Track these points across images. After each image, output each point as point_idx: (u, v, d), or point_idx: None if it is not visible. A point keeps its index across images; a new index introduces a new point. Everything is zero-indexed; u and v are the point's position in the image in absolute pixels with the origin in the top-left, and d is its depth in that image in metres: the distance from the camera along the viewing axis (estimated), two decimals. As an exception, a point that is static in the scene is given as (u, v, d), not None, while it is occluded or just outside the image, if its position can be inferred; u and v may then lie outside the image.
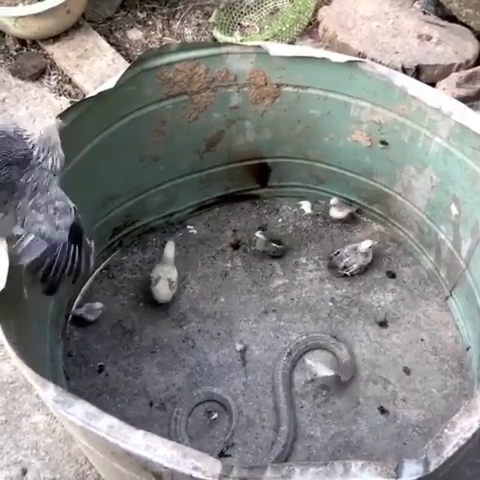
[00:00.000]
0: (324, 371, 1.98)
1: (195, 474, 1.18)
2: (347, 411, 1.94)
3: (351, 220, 2.32)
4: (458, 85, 2.43)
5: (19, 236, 1.47)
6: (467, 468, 1.80)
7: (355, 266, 2.17)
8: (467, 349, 2.03)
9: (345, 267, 2.18)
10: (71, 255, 1.51)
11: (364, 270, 2.21)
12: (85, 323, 2.09)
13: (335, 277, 2.21)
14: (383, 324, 2.11)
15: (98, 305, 2.10)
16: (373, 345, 2.07)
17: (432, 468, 1.18)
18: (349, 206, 2.31)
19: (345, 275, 2.19)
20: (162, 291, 2.12)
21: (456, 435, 1.22)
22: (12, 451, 1.86)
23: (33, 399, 1.95)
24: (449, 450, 1.20)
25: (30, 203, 1.49)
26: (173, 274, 2.15)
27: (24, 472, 1.82)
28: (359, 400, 1.96)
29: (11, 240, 1.51)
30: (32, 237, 1.48)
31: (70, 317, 2.10)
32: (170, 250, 2.19)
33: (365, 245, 2.16)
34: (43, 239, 1.48)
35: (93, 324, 2.09)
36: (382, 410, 1.94)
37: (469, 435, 1.22)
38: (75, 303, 2.13)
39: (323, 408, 1.95)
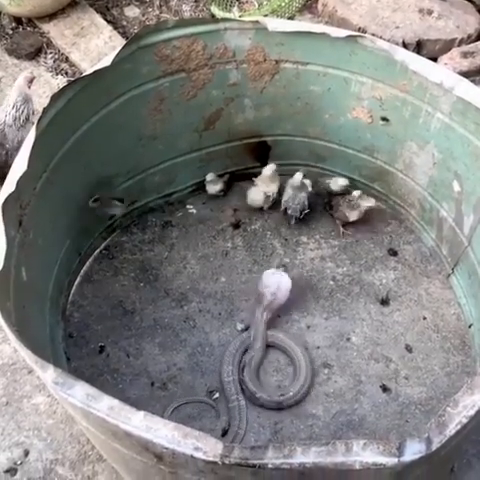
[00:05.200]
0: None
1: (196, 454, 1.17)
2: (349, 389, 1.93)
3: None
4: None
5: None
6: (469, 445, 1.80)
7: (299, 207, 2.22)
8: (469, 326, 2.02)
9: (292, 215, 2.24)
10: None
11: (308, 207, 2.24)
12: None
13: (288, 224, 2.29)
14: (385, 302, 2.10)
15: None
16: (375, 323, 2.06)
17: (434, 447, 1.18)
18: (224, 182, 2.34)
19: (298, 219, 2.25)
20: (254, 196, 2.28)
21: (459, 413, 1.21)
22: (14, 432, 1.86)
23: (34, 380, 1.95)
24: (452, 428, 1.20)
25: None
26: (271, 188, 2.24)
27: (26, 453, 1.82)
28: (361, 378, 1.95)
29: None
30: None
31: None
32: (268, 170, 2.24)
33: (297, 177, 2.19)
34: None
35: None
36: (384, 388, 1.93)
37: (472, 413, 1.21)
38: (75, 284, 2.13)
39: (325, 387, 1.94)
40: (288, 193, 2.23)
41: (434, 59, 2.44)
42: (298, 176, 2.19)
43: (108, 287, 2.15)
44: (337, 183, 2.25)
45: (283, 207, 2.25)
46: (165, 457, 1.24)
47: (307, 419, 1.88)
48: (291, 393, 1.89)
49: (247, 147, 2.30)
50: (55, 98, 1.75)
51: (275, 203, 2.30)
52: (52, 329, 1.86)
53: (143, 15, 2.98)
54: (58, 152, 1.83)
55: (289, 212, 2.24)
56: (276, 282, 2.03)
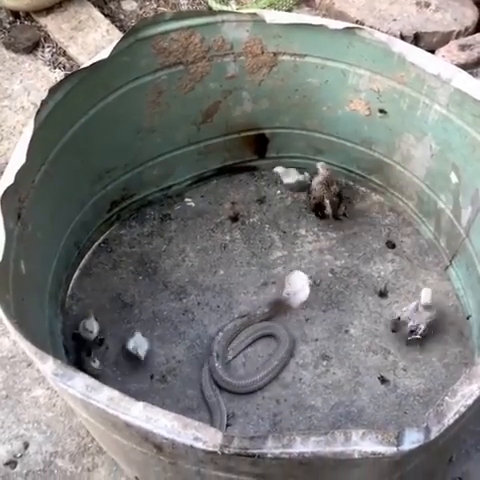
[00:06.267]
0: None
1: (196, 445, 1.17)
2: (348, 381, 1.94)
3: None
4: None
5: None
6: (468, 436, 1.80)
7: (422, 327, 1.95)
8: (467, 318, 2.02)
9: (412, 331, 1.96)
10: None
11: (433, 328, 1.98)
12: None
13: (404, 344, 2.00)
14: (383, 294, 2.11)
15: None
16: (373, 315, 2.06)
17: (433, 436, 1.18)
18: None
19: (417, 339, 1.97)
20: None
21: (457, 402, 1.21)
22: (13, 425, 1.86)
23: (34, 373, 1.95)
24: (450, 418, 1.20)
25: None
26: None
27: (26, 446, 1.82)
28: (359, 370, 1.96)
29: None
30: None
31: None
32: None
33: (426, 297, 1.92)
34: None
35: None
36: (383, 380, 1.94)
37: (470, 402, 1.21)
38: (73, 277, 2.13)
39: (323, 378, 1.95)
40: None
41: (431, 52, 2.43)
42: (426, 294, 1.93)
43: (107, 280, 2.15)
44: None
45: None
46: (165, 447, 1.24)
47: (306, 411, 1.89)
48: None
49: (245, 140, 2.30)
50: (53, 91, 1.75)
51: (271, 195, 2.31)
52: (51, 322, 1.86)
53: (140, 8, 2.98)
54: (56, 145, 1.83)
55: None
56: (298, 288, 2.05)
